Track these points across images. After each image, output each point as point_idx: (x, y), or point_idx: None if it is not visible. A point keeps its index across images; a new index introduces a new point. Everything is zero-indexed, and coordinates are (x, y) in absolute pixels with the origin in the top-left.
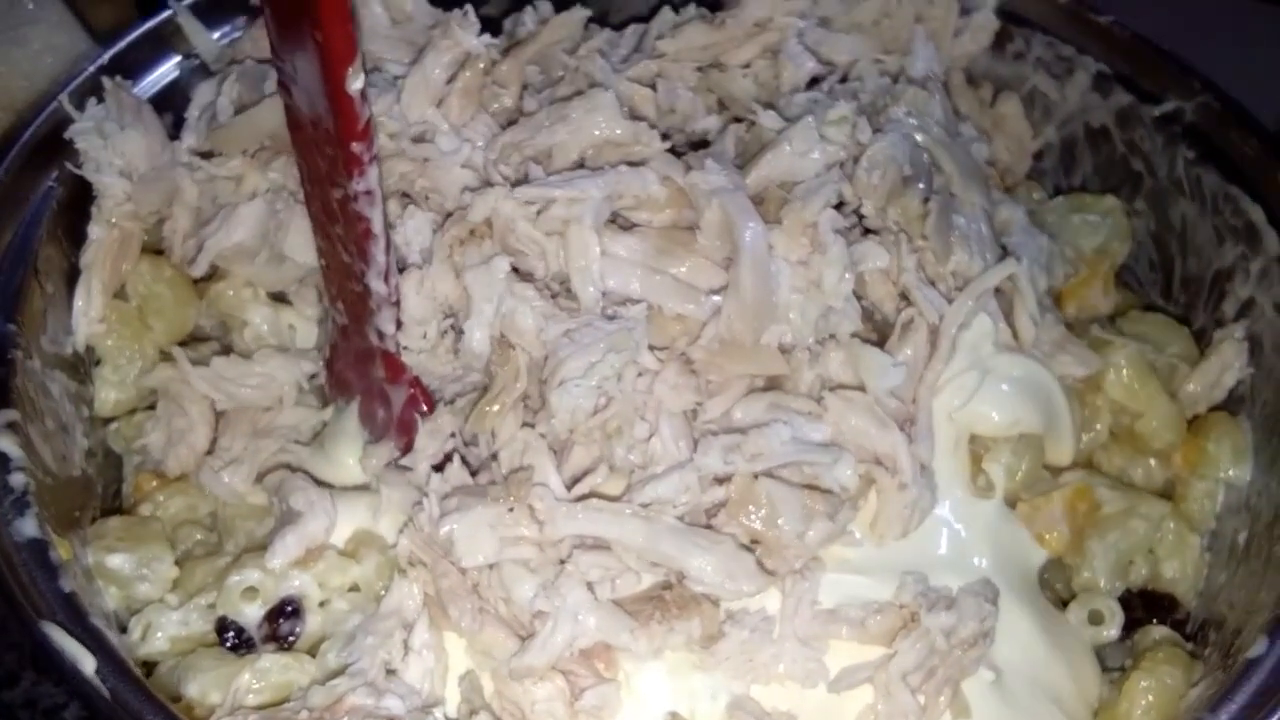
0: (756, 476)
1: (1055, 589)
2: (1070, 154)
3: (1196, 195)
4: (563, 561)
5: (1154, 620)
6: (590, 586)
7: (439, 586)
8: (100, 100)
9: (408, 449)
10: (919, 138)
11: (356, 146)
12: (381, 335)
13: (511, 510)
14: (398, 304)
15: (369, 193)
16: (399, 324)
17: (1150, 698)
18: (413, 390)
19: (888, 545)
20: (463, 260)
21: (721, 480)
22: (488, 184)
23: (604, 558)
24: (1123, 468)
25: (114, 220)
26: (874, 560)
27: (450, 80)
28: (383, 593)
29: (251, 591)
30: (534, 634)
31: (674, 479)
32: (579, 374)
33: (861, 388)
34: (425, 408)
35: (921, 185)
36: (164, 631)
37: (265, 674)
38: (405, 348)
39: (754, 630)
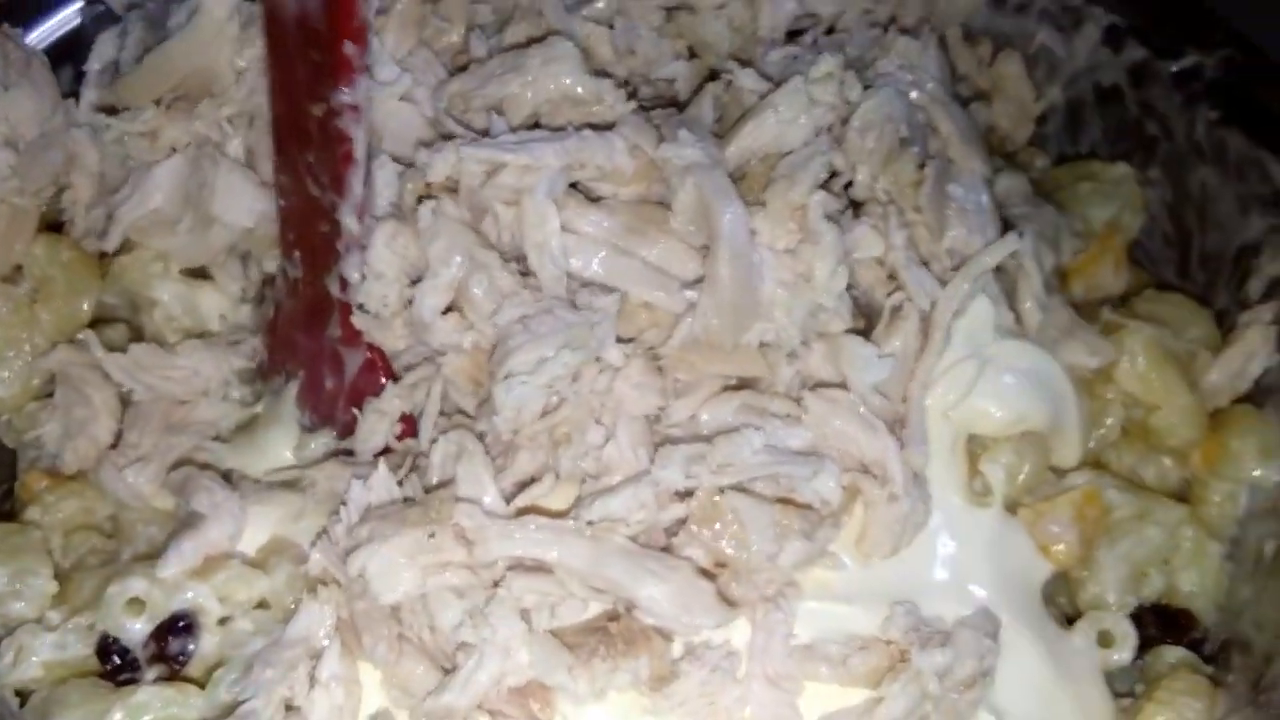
0: (722, 491)
1: (1058, 604)
2: (1077, 117)
3: (1219, 160)
4: (496, 584)
5: (1168, 639)
6: (525, 615)
7: (353, 610)
8: None
9: (351, 429)
10: (913, 95)
11: (349, 48)
12: (344, 285)
13: (433, 536)
14: (365, 249)
15: (355, 108)
16: (363, 277)
17: None
18: (371, 356)
19: (874, 566)
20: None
21: (683, 495)
22: (443, 136)
23: (543, 582)
24: (1134, 466)
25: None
26: (858, 585)
27: (384, 8)
28: (289, 602)
29: (136, 604)
30: (456, 668)
31: (628, 493)
32: (528, 369)
33: (844, 385)
34: (384, 379)
35: (916, 149)
36: (38, 656)
37: (141, 710)
38: (363, 308)
39: (715, 669)
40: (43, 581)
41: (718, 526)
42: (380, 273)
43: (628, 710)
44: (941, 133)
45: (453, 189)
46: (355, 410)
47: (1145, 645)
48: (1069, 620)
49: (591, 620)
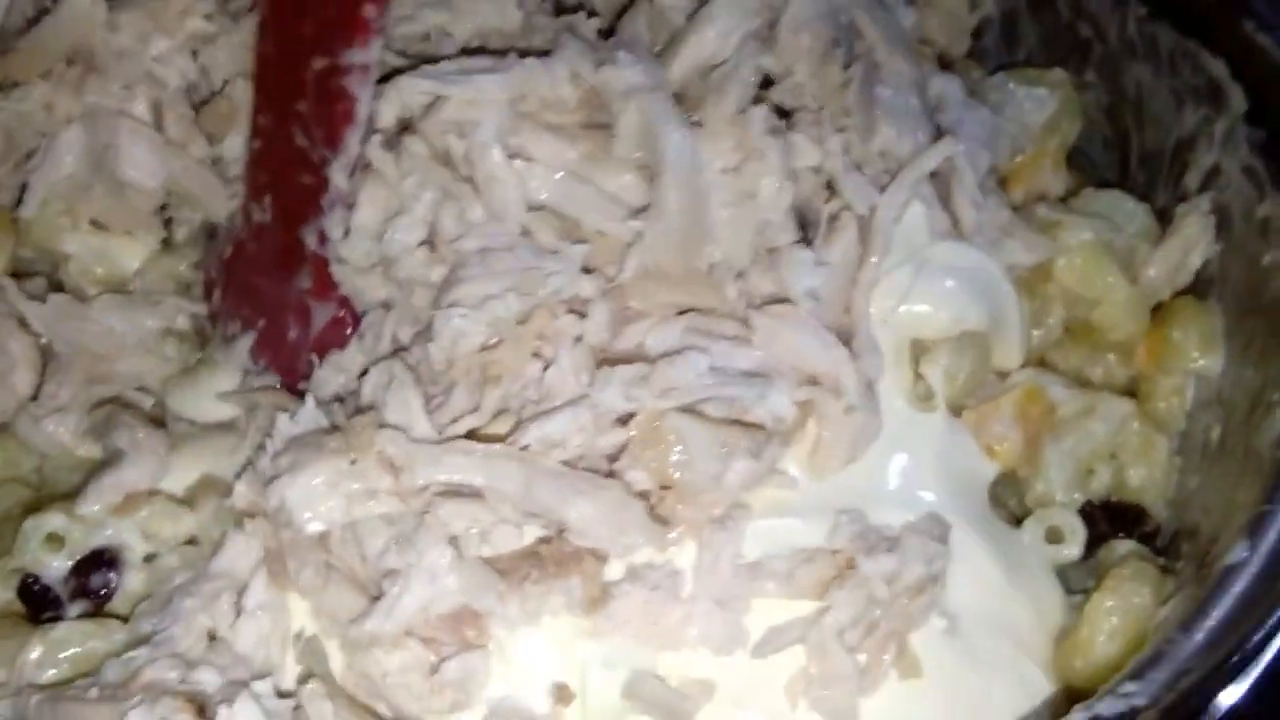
0: (664, 413)
1: (1008, 505)
2: (1012, 27)
3: (1150, 56)
4: (425, 512)
5: (1120, 535)
6: (455, 541)
7: (279, 539)
8: None
9: (305, 378)
10: None
11: (370, 10)
12: (323, 239)
13: (354, 463)
14: (351, 206)
15: (365, 68)
16: (346, 232)
17: (1115, 620)
18: (342, 311)
19: (824, 479)
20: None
21: (624, 420)
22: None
23: (472, 507)
24: (1079, 366)
25: None
26: (807, 499)
27: None
28: (216, 536)
29: (55, 540)
30: (382, 595)
31: (564, 417)
32: (472, 303)
33: (787, 298)
34: (349, 332)
35: (840, 51)
36: None
37: (61, 644)
38: (342, 260)
39: (656, 588)
40: None
41: (660, 448)
42: (367, 228)
43: (566, 634)
44: (866, 36)
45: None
46: (316, 362)
47: (1097, 542)
48: (1018, 521)
49: (526, 547)
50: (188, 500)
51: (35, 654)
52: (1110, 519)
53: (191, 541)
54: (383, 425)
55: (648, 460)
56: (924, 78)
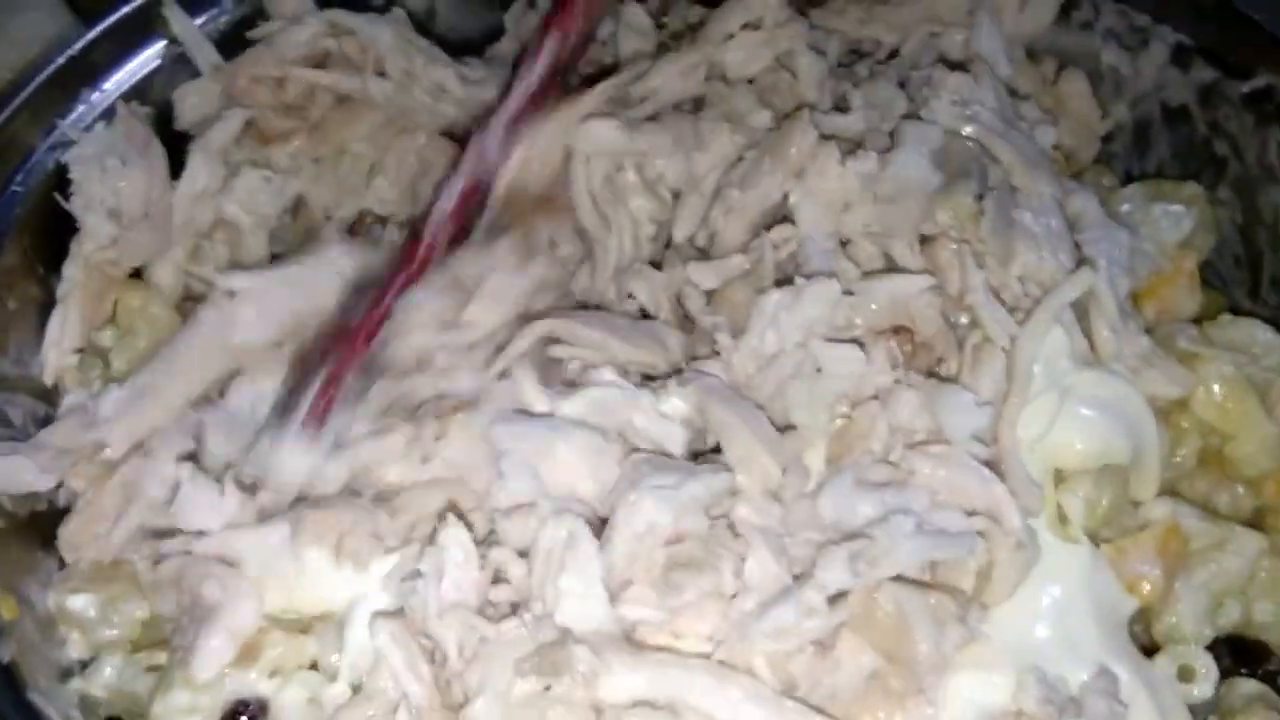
0: (879, 585)
1: (1134, 634)
2: (1144, 136)
3: None
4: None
5: (1242, 671)
6: None
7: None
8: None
9: None
10: (966, 129)
11: None
12: None
13: (549, 689)
14: None
15: None
16: None
17: None
18: None
19: (990, 618)
20: None
21: (833, 599)
22: None
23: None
24: (1207, 494)
25: (94, 263)
26: (981, 644)
27: None
28: (335, 662)
29: (190, 714)
30: None
31: (789, 605)
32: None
33: (939, 434)
34: None
35: (972, 183)
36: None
37: None
38: None
39: None
40: (134, 606)
41: (881, 624)
42: None
43: None
44: (1003, 161)
45: None
46: None
47: (1220, 677)
48: (1145, 652)
49: None
50: (306, 626)
51: None
52: (1234, 654)
53: (314, 667)
54: (575, 642)
55: (867, 638)
56: (1064, 195)
